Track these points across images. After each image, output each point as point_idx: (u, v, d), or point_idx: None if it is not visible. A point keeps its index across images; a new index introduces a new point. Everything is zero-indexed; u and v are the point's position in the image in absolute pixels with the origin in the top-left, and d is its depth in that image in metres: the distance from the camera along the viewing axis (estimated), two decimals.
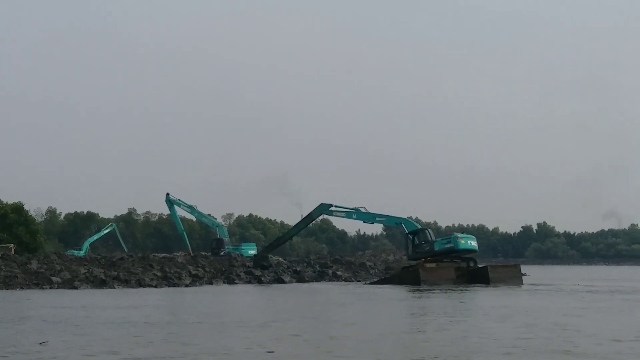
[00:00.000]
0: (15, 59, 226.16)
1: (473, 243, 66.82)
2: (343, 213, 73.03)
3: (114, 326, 26.27)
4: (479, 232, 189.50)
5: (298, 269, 79.48)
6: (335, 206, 73.22)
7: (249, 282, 71.59)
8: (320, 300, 44.97)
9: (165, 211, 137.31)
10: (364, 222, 72.63)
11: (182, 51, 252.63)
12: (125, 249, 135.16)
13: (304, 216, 77.15)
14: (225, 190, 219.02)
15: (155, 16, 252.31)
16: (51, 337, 21.97)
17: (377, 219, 72.34)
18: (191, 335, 23.04)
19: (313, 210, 74.71)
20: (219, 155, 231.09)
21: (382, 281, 67.97)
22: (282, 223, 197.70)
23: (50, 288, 59.56)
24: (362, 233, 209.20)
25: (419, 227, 69.96)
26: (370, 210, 71.37)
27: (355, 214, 71.81)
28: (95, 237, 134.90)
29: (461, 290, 53.19)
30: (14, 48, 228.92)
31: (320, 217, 76.52)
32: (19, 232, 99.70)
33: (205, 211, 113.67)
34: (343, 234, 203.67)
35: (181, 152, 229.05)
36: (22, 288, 58.88)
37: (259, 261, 77.96)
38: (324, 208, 73.82)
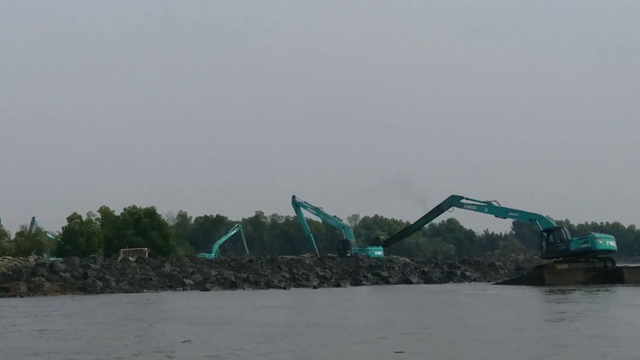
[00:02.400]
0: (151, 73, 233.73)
1: (612, 243, 64.21)
2: (474, 206, 71.44)
3: (250, 326, 26.52)
4: (613, 229, 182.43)
5: (425, 269, 78.65)
6: (466, 199, 71.74)
7: (376, 283, 71.26)
8: (449, 300, 44.15)
9: (292, 214, 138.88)
10: (495, 216, 70.79)
11: (293, 49, 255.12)
12: (247, 251, 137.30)
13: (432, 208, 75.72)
14: (350, 192, 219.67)
15: (281, 18, 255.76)
16: (192, 336, 22.35)
17: (510, 213, 70.40)
18: (322, 336, 22.95)
19: (443, 202, 73.32)
20: (343, 156, 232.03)
21: (511, 281, 66.25)
22: (407, 223, 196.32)
23: (183, 290, 61.00)
24: (490, 232, 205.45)
25: (554, 224, 67.79)
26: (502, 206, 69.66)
27: (487, 207, 70.15)
28: (223, 238, 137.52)
29: (596, 291, 51.06)
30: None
31: (451, 209, 74.61)
32: (152, 236, 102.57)
33: (331, 213, 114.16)
34: (470, 234, 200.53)
35: (306, 155, 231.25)
36: (156, 290, 60.55)
37: (375, 243, 76.42)
38: (455, 200, 72.40)
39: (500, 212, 69.87)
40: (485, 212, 70.99)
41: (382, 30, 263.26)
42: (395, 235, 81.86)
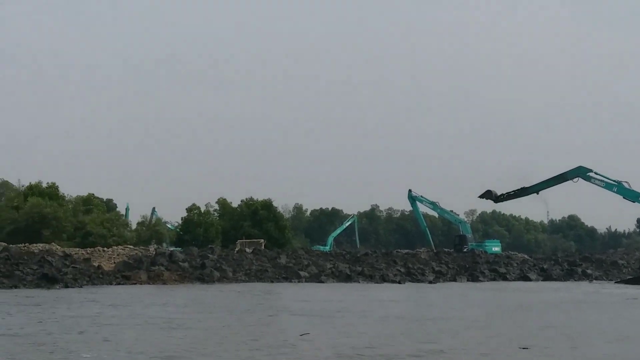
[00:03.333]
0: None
1: None
2: (602, 182, 67.69)
3: (368, 320, 26.09)
4: None
5: (545, 266, 76.48)
6: (595, 173, 68.20)
7: (493, 279, 69.77)
8: (574, 298, 42.46)
9: (408, 207, 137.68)
10: (623, 197, 66.95)
11: (405, 46, 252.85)
12: (358, 244, 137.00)
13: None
14: (467, 186, 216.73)
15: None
16: (310, 328, 22.07)
17: None
18: (436, 332, 22.24)
19: (569, 171, 69.81)
20: (458, 149, 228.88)
21: (635, 280, 63.29)
22: (527, 220, 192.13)
23: (298, 282, 61.18)
24: (613, 230, 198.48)
25: None
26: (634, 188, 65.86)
27: (617, 187, 66.45)
28: (338, 230, 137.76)
29: None
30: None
31: (575, 180, 70.26)
32: (269, 227, 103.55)
33: (447, 207, 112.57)
34: (592, 231, 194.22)
35: (423, 148, 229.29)
36: (272, 281, 60.94)
37: (486, 196, 73.22)
38: (582, 171, 68.83)
39: (631, 194, 66.01)
40: (613, 192, 67.01)
41: (504, 26, 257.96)
42: (510, 192, 76.42)
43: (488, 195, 76.16)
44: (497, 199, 77.40)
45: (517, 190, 75.29)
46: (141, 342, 19.23)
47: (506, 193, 76.71)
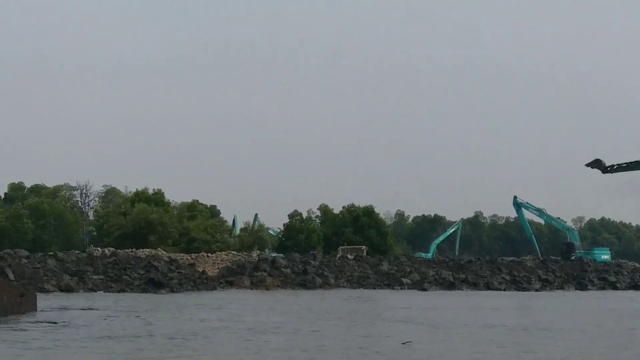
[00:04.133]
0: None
1: None
2: None
3: (472, 328, 25.38)
4: None
5: None
6: None
7: (602, 288, 67.45)
8: None
9: (513, 214, 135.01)
10: None
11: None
12: (457, 251, 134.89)
13: None
14: (574, 192, 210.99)
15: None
16: (413, 337, 21.60)
17: None
18: (560, 339, 21.40)
19: None
20: (566, 154, 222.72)
21: None
22: (637, 227, 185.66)
23: (401, 289, 60.53)
24: None
25: None
26: None
27: None
28: (441, 237, 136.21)
29: None
30: None
31: None
32: (370, 234, 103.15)
33: (554, 214, 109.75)
34: None
35: (528, 154, 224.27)
36: (374, 288, 60.54)
37: (594, 165, 69.48)
38: None
39: None
40: None
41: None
42: (622, 164, 71.84)
43: (596, 164, 72.58)
44: (606, 169, 73.83)
45: (632, 162, 71.15)
46: (246, 346, 19.13)
47: (617, 164, 73.02)
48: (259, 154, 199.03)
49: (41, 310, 29.25)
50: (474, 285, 63.62)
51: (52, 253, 62.19)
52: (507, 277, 68.15)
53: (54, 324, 24.83)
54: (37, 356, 17.08)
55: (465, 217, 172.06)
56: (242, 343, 20.11)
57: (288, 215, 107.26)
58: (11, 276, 46.85)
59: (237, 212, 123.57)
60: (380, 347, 19.61)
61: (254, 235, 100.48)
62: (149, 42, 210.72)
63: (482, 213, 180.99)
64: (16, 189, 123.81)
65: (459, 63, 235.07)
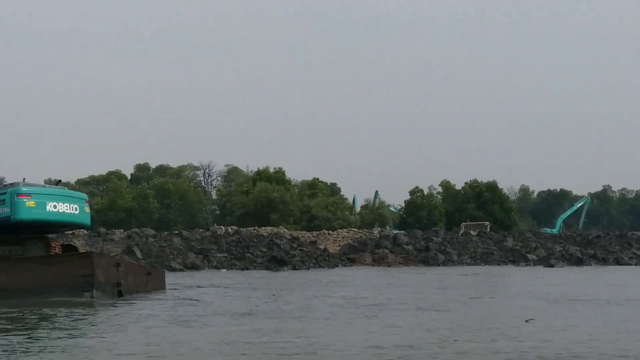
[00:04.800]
0: None
1: None
2: None
3: (601, 304, 24.19)
4: None
5: None
6: None
7: None
8: None
9: None
10: None
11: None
12: (580, 226, 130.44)
13: None
14: None
15: None
16: (536, 314, 20.73)
17: None
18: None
19: None
20: None
21: None
22: None
23: (526, 265, 59.15)
24: None
25: None
26: None
27: None
28: (568, 212, 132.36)
29: None
30: None
31: None
32: (494, 210, 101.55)
33: None
34: None
35: None
36: (498, 264, 59.52)
37: None
38: None
39: None
40: None
41: None
42: None
43: None
44: None
45: None
46: (370, 324, 18.73)
47: None
48: (379, 130, 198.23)
49: (170, 289, 29.67)
50: (603, 261, 61.62)
51: (177, 232, 63.67)
52: (638, 252, 65.84)
53: (182, 300, 25.14)
54: (166, 331, 17.15)
55: (592, 192, 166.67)
56: (366, 320, 19.71)
57: (409, 192, 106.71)
58: (139, 255, 48.18)
59: (357, 189, 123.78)
60: (503, 324, 18.85)
61: (375, 213, 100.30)
62: (270, 23, 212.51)
63: (610, 187, 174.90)
64: (142, 170, 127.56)
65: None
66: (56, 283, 24.36)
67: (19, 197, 25.69)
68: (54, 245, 26.20)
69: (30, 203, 25.82)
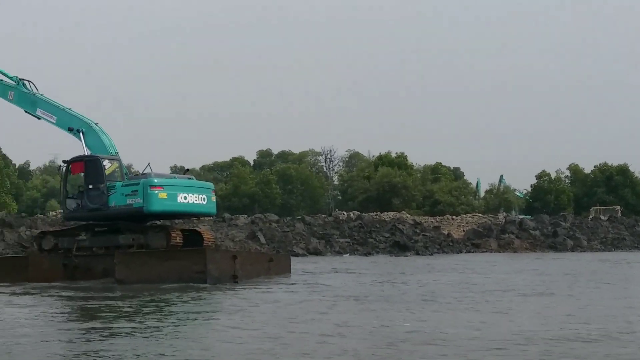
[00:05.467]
0: None
1: None
2: None
3: None
4: None
5: None
6: None
7: None
8: None
9: None
10: None
11: None
12: None
13: None
14: None
15: None
16: None
17: None
18: None
19: None
20: None
21: None
22: None
23: None
24: None
25: None
26: None
27: None
28: None
29: None
30: None
31: None
32: (625, 194, 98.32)
33: None
34: None
35: None
36: (630, 250, 57.35)
37: None
38: None
39: None
40: None
41: None
42: None
43: None
44: None
45: None
46: (498, 309, 17.94)
47: None
48: (503, 113, 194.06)
49: (293, 274, 29.59)
50: None
51: (299, 217, 63.91)
52: None
53: (305, 285, 24.99)
54: (289, 313, 16.97)
55: None
56: (493, 305, 18.90)
57: (535, 176, 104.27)
58: (262, 240, 48.49)
59: (480, 173, 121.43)
60: (625, 312, 17.68)
61: (500, 197, 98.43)
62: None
63: None
64: (264, 156, 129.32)
65: None
66: (172, 277, 24.67)
67: (151, 189, 26.22)
68: (174, 234, 26.53)
69: (162, 195, 26.39)
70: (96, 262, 27.16)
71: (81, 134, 28.60)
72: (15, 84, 30.80)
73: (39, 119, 30.02)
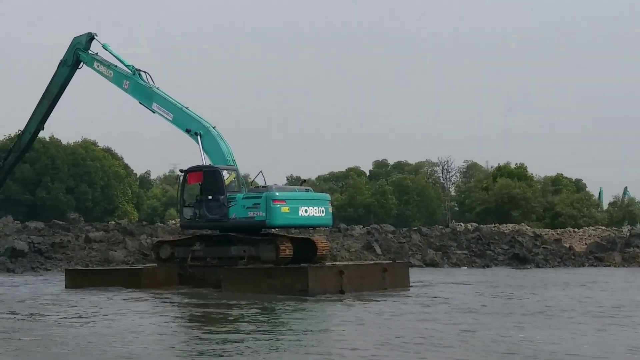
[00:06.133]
0: None
1: None
2: None
3: None
4: None
5: None
6: None
7: None
8: None
9: None
10: None
11: None
12: None
13: None
14: None
15: None
16: None
17: None
18: None
19: None
20: None
21: None
22: None
23: None
24: None
25: None
26: None
27: None
28: None
29: None
30: None
31: None
32: None
33: None
34: None
35: None
36: None
37: None
38: None
39: None
40: None
41: None
42: None
43: None
44: None
45: None
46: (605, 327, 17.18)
47: None
48: (626, 121, 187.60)
49: (412, 285, 29.17)
50: None
51: (416, 228, 63.35)
52: None
53: (423, 297, 24.71)
54: (400, 326, 16.72)
55: None
56: (603, 322, 18.11)
57: None
58: (378, 251, 48.27)
59: (603, 185, 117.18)
60: None
61: (624, 210, 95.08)
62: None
63: None
64: (380, 166, 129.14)
65: None
66: (275, 294, 24.60)
67: (274, 203, 26.43)
68: (282, 247, 26.58)
69: (285, 209, 26.63)
70: (210, 272, 27.56)
71: (199, 137, 28.88)
72: (131, 73, 31.19)
73: (154, 112, 30.31)
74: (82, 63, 33.56)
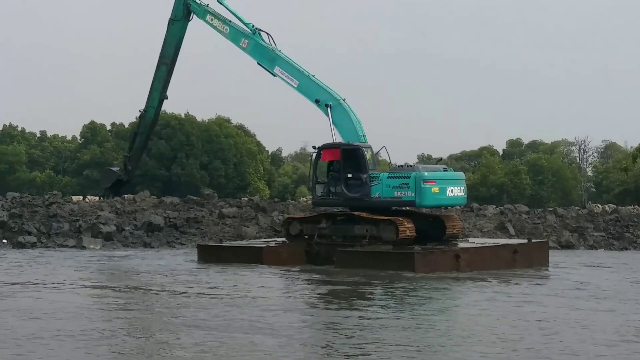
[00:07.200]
0: None
1: None
2: None
3: None
4: None
5: None
6: None
7: None
8: None
9: None
10: None
11: None
12: None
13: None
14: None
15: None
16: None
17: None
18: None
19: None
20: None
21: None
22: None
23: None
24: None
25: None
26: None
27: None
28: None
29: None
30: None
31: None
32: None
33: None
34: None
35: None
36: None
37: None
38: None
39: None
40: None
41: None
42: None
43: None
44: None
45: None
46: None
47: None
48: None
49: (553, 266, 28.21)
50: None
51: (551, 208, 61.56)
52: None
53: (559, 279, 23.89)
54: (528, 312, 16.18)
55: None
56: None
57: None
58: (512, 231, 47.09)
59: None
60: None
61: None
62: None
63: None
64: (514, 145, 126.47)
65: None
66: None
67: (425, 183, 26.09)
68: (402, 228, 25.98)
69: (435, 189, 26.44)
70: (335, 250, 27.14)
71: (329, 109, 27.98)
72: (251, 32, 29.63)
73: (274, 76, 29.01)
74: (192, 15, 31.69)
